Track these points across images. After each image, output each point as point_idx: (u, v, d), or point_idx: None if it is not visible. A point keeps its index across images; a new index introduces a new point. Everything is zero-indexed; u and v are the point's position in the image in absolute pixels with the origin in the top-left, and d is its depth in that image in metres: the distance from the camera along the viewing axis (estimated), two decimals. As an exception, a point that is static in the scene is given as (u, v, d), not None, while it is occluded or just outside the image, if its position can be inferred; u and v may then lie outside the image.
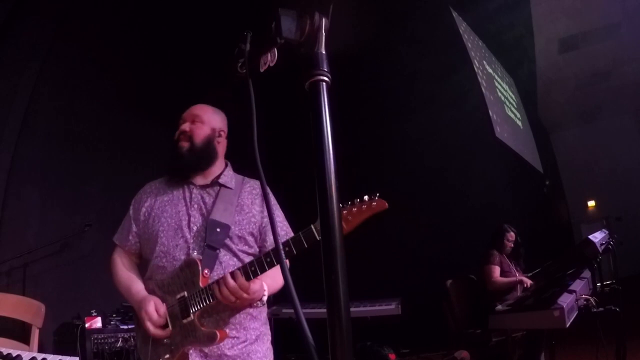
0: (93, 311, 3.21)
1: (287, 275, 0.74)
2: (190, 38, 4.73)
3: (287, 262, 1.40)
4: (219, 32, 3.60)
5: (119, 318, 3.31)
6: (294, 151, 4.55)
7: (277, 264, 1.31)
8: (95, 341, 3.07)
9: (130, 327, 3.24)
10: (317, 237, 1.27)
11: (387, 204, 1.35)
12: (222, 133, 1.64)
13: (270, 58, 0.78)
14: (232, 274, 1.33)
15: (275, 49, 0.76)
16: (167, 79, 4.59)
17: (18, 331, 2.31)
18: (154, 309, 1.42)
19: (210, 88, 3.77)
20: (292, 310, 0.69)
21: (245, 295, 1.33)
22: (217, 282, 1.35)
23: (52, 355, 1.86)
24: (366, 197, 1.35)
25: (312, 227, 1.30)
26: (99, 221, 3.64)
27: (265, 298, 1.44)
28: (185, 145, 1.55)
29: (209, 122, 1.61)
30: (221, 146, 1.64)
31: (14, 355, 1.76)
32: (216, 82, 3.10)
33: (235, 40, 0.86)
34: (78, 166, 3.89)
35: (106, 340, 3.12)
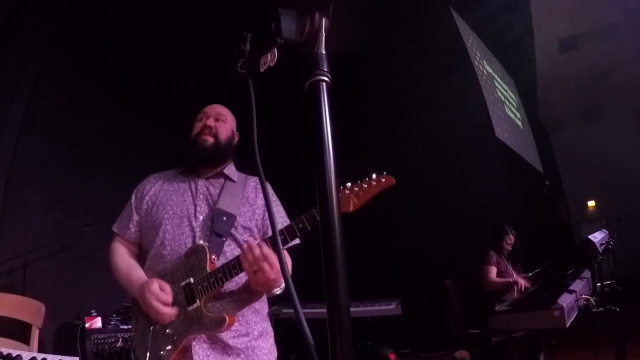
0: (93, 311, 3.21)
1: (287, 276, 0.74)
2: (190, 38, 4.73)
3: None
4: (219, 33, 3.60)
5: (119, 318, 3.30)
6: (294, 151, 4.55)
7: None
8: (95, 341, 3.07)
9: (130, 327, 3.24)
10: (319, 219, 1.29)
11: (394, 180, 1.41)
12: (236, 136, 1.72)
13: (270, 58, 0.78)
14: (259, 244, 1.30)
15: (275, 49, 0.76)
16: (167, 79, 4.59)
17: (18, 331, 2.31)
18: (159, 288, 1.37)
19: (210, 88, 3.77)
20: (292, 310, 0.69)
21: (268, 267, 1.27)
22: (245, 247, 1.30)
23: (52, 355, 1.86)
24: (374, 175, 1.39)
25: (314, 210, 1.33)
26: (99, 221, 3.63)
27: (283, 285, 1.39)
28: (209, 139, 1.59)
29: (230, 123, 1.69)
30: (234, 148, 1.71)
31: (14, 355, 1.76)
32: (216, 82, 3.10)
33: (235, 40, 0.86)
34: (78, 166, 3.89)
35: (106, 340, 3.12)
